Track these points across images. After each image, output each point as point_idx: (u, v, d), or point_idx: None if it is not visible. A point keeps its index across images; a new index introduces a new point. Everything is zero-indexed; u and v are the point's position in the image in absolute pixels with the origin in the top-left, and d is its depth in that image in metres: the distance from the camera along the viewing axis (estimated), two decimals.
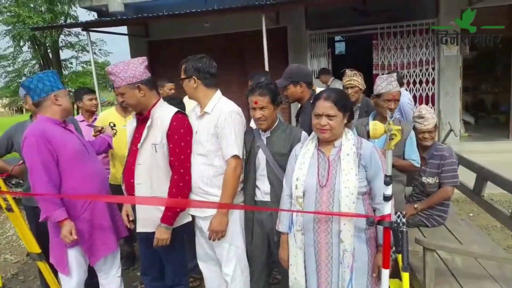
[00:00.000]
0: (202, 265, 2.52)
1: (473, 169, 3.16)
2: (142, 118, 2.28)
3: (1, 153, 2.88)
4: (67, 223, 2.14)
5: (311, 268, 1.92)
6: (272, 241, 2.28)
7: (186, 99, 3.06)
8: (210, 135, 2.22)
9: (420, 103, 7.28)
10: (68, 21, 8.34)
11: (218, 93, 2.33)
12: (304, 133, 2.22)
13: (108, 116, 3.40)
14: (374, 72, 7.56)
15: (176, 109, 2.28)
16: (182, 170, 2.21)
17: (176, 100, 2.94)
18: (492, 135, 7.67)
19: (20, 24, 7.51)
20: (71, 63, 9.59)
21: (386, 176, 1.66)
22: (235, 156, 2.20)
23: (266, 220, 2.26)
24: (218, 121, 2.20)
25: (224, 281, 2.39)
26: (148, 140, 2.20)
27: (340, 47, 12.82)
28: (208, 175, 2.25)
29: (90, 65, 10.30)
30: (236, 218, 2.31)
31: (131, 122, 2.38)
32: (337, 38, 11.61)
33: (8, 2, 7.91)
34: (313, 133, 2.05)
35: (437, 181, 2.98)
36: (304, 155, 1.98)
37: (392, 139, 1.64)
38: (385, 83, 2.60)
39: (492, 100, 9.77)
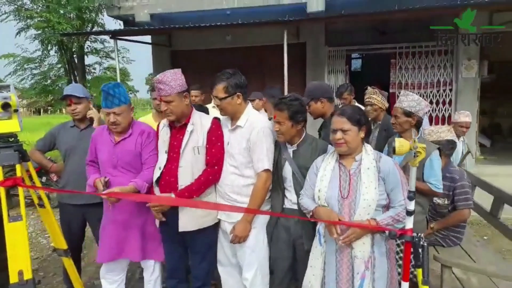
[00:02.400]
0: (221, 269, 2.60)
1: (491, 192, 3.19)
2: (180, 126, 2.40)
3: (44, 149, 3.05)
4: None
5: (330, 277, 1.99)
6: (297, 248, 2.35)
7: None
8: (242, 149, 2.33)
9: (437, 123, 7.30)
10: (95, 28, 8.65)
11: (250, 106, 2.44)
12: (330, 147, 2.29)
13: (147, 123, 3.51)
14: (391, 90, 7.62)
15: (212, 115, 2.44)
16: (216, 167, 2.35)
17: (203, 108, 3.08)
18: (508, 159, 7.60)
19: (50, 29, 7.82)
20: (95, 69, 9.93)
21: (409, 191, 1.73)
22: (266, 170, 2.30)
23: (293, 228, 2.34)
24: (251, 135, 2.31)
25: (242, 286, 2.46)
26: (190, 143, 2.33)
27: (355, 64, 12.91)
28: (238, 185, 2.36)
29: (111, 71, 10.64)
30: (261, 226, 2.40)
31: (165, 131, 2.49)
32: (353, 55, 11.71)
33: (40, 8, 8.28)
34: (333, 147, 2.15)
35: (446, 202, 3.02)
36: (326, 168, 2.07)
37: (417, 156, 1.71)
38: (398, 99, 2.73)
39: (509, 124, 9.72)
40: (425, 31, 7.52)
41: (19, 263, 2.27)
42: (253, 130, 2.32)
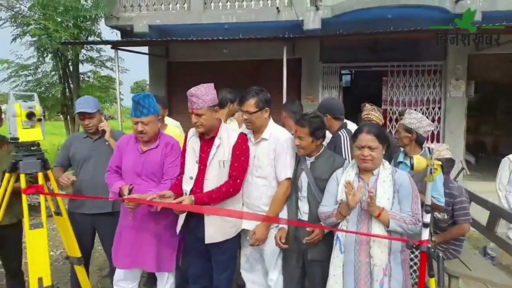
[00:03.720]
0: (246, 276, 2.72)
1: (487, 207, 3.37)
2: (209, 138, 2.48)
3: (64, 164, 3.06)
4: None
5: (349, 285, 2.09)
6: (306, 260, 2.45)
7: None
8: (270, 160, 2.46)
9: (426, 141, 7.55)
10: (92, 37, 8.68)
11: (271, 120, 2.57)
12: (346, 162, 2.43)
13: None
14: (383, 107, 7.87)
15: (240, 130, 2.54)
16: (238, 181, 2.43)
17: None
18: (492, 175, 7.81)
19: (46, 37, 7.81)
20: (89, 77, 9.89)
21: (426, 205, 1.86)
22: (288, 179, 2.44)
23: (303, 238, 2.43)
24: (277, 146, 2.45)
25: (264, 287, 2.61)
26: (216, 157, 2.42)
27: (344, 79, 13.21)
28: (267, 196, 2.48)
29: (104, 79, 10.61)
30: None
31: (194, 140, 2.55)
32: (343, 71, 12.01)
33: (37, 15, 8.26)
34: (353, 161, 2.28)
35: (446, 217, 3.17)
36: (345, 180, 2.19)
37: (433, 172, 1.85)
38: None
39: (492, 142, 10.13)
40: (413, 50, 7.88)
41: (39, 270, 2.28)
42: (277, 142, 2.46)
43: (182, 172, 2.58)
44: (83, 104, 2.98)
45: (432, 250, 1.87)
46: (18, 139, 2.32)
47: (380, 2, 6.76)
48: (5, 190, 2.42)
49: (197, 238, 2.47)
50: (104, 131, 3.06)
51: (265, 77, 8.13)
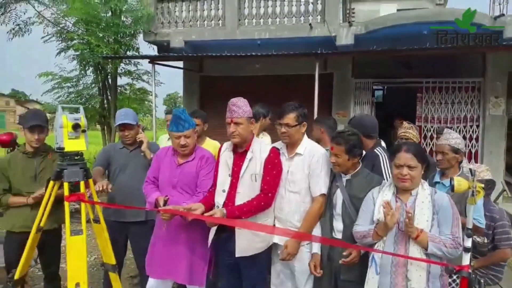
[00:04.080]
0: None
1: None
2: (242, 152, 2.53)
3: (103, 165, 3.18)
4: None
5: None
6: (338, 280, 2.41)
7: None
8: (305, 175, 2.46)
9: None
10: (130, 52, 9.05)
11: (306, 135, 2.59)
12: (383, 182, 2.37)
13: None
14: (417, 123, 7.67)
15: (272, 144, 2.58)
16: (270, 194, 2.44)
17: None
18: None
19: (89, 51, 8.22)
20: (126, 89, 10.29)
21: (468, 229, 1.80)
22: (323, 195, 2.43)
23: (336, 257, 2.40)
24: (312, 161, 2.46)
25: None
26: (248, 171, 2.46)
27: (377, 94, 13.00)
28: (300, 211, 2.47)
29: (139, 92, 10.99)
30: (317, 250, 2.47)
31: (228, 154, 2.60)
32: (375, 86, 11.84)
33: (81, 30, 8.73)
34: (390, 180, 2.24)
35: (486, 241, 3.03)
36: (382, 200, 2.14)
37: (475, 195, 1.79)
38: (443, 136, 2.79)
39: None
40: (450, 66, 7.67)
41: (77, 275, 2.35)
42: (313, 157, 2.47)
43: (213, 185, 2.63)
44: (124, 116, 3.14)
45: (473, 276, 1.79)
46: (63, 149, 2.45)
47: (415, 18, 6.69)
48: (49, 197, 2.55)
49: (228, 252, 2.48)
50: (141, 142, 3.18)
51: (296, 92, 8.09)
